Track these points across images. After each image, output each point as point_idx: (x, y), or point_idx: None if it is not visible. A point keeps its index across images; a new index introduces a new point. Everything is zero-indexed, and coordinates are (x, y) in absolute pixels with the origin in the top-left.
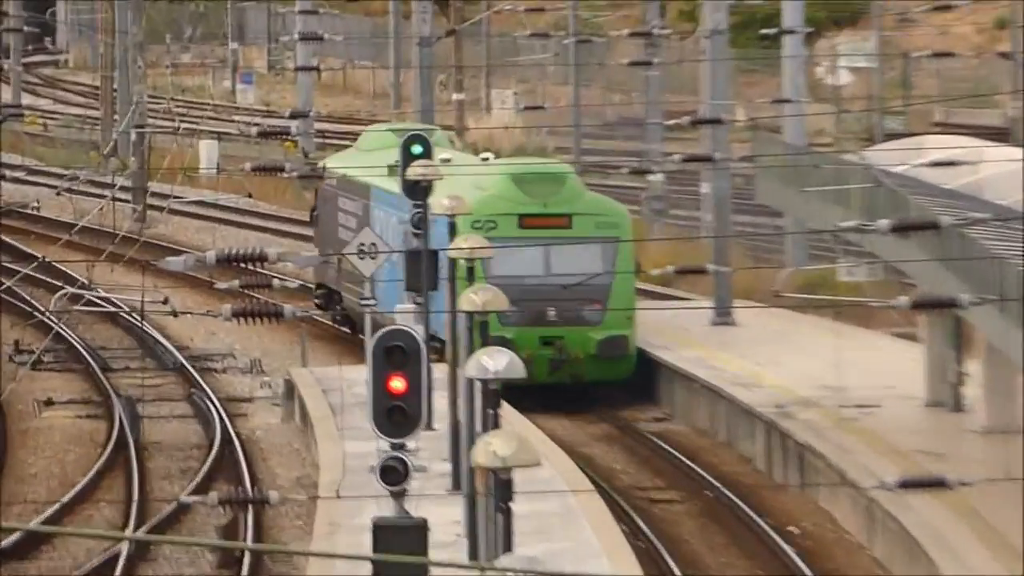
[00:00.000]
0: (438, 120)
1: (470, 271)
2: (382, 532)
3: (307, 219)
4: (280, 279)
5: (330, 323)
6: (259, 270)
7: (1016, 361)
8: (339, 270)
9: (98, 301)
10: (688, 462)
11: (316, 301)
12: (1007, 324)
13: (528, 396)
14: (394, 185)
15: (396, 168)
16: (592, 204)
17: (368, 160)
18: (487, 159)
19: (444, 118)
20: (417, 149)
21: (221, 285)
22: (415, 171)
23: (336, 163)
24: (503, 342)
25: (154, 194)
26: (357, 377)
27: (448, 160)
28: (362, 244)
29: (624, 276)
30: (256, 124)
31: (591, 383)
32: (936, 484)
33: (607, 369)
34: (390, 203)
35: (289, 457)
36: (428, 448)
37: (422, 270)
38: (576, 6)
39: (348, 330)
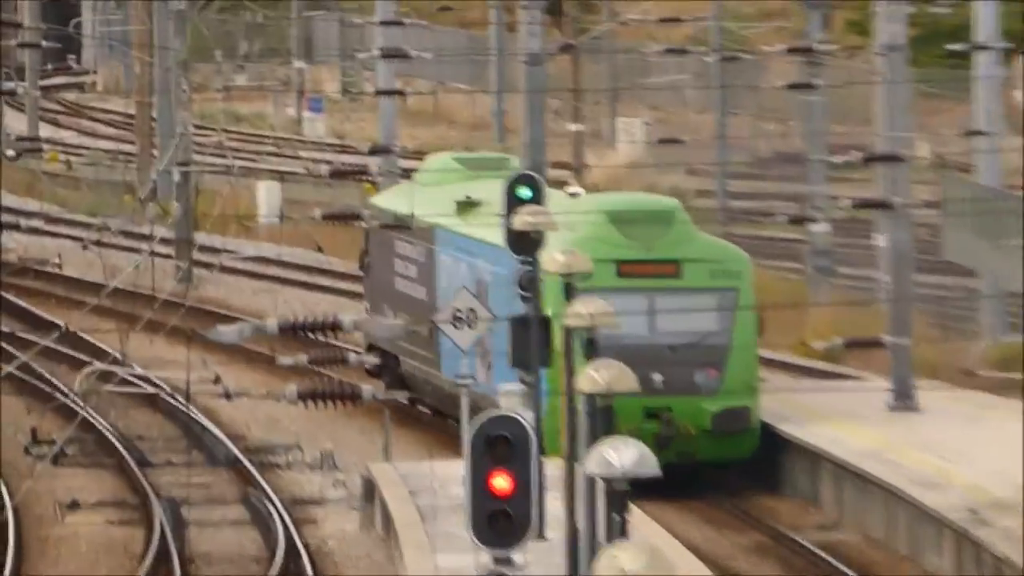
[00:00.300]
0: (551, 155)
1: (590, 342)
2: None
3: None
4: (356, 353)
5: (420, 407)
6: (331, 342)
7: None
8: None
9: (134, 380)
10: None
11: (366, 367)
12: None
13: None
14: (467, 227)
15: (467, 206)
16: (705, 249)
17: (432, 196)
18: (575, 194)
19: (558, 153)
20: (525, 192)
21: (285, 361)
22: (524, 219)
23: (390, 200)
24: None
25: (202, 248)
26: (452, 474)
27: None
28: (457, 310)
29: (745, 336)
30: (327, 161)
31: (704, 463)
32: None
33: (724, 447)
34: (461, 248)
35: (368, 572)
36: (539, 562)
37: (531, 341)
38: (720, 15)
39: (405, 401)
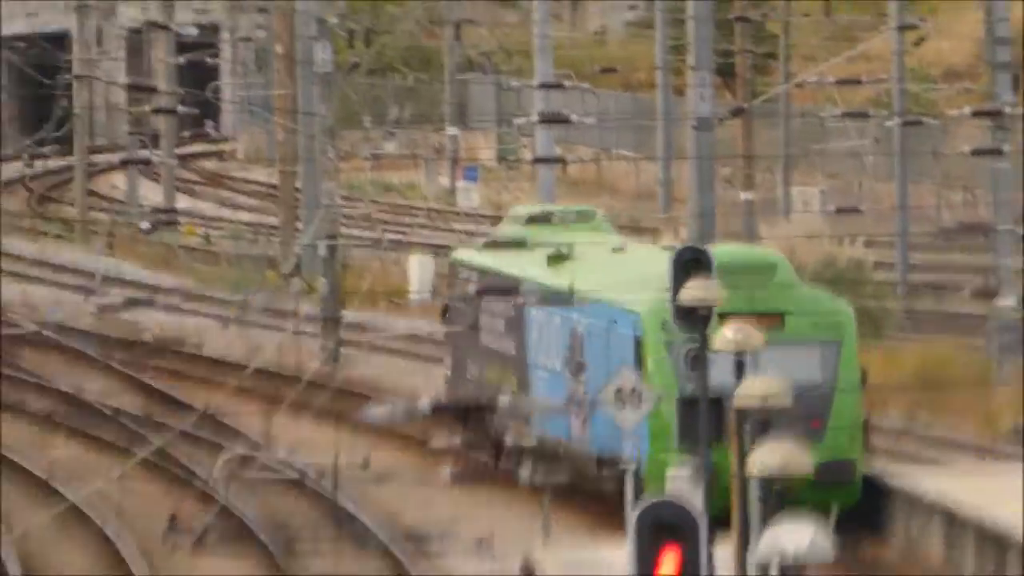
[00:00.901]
0: (721, 227)
1: (764, 425)
2: None
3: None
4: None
5: (582, 490)
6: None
7: None
8: (480, 378)
9: (277, 465)
10: None
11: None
12: None
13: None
14: (555, 278)
15: (558, 259)
16: (809, 301)
17: (519, 250)
18: (620, 249)
19: (729, 224)
20: (695, 263)
21: (438, 443)
22: (692, 294)
23: (475, 257)
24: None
25: (349, 325)
26: (618, 559)
27: (621, 249)
28: (620, 391)
29: (848, 387)
30: (483, 234)
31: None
32: None
33: (826, 496)
34: (552, 302)
35: None
36: None
37: (700, 422)
38: (902, 75)
39: (490, 460)
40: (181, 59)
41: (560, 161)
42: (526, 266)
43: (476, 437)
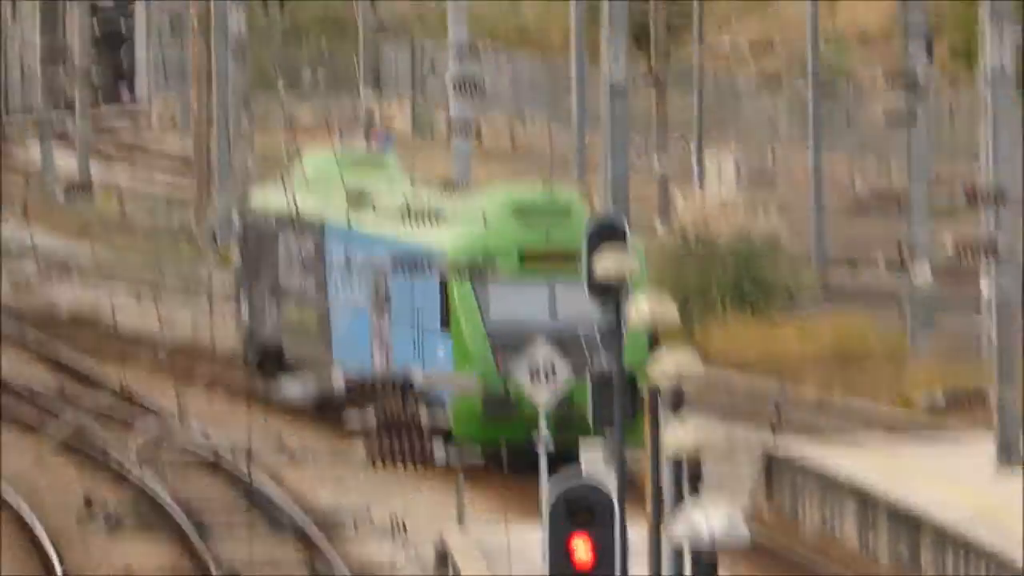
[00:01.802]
0: (635, 194)
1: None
2: None
3: None
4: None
5: (497, 468)
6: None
7: None
8: (280, 322)
9: (191, 446)
10: None
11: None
12: None
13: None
14: (360, 223)
15: (360, 199)
16: None
17: (316, 191)
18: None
19: (642, 190)
20: (609, 231)
21: (352, 421)
22: (608, 266)
23: (266, 198)
24: (504, 401)
25: None
26: (530, 540)
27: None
28: (534, 366)
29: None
30: None
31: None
32: None
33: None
34: (352, 242)
35: None
36: None
37: (614, 399)
38: (816, 41)
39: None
40: (96, 26)
41: (474, 128)
42: (326, 208)
43: (388, 415)
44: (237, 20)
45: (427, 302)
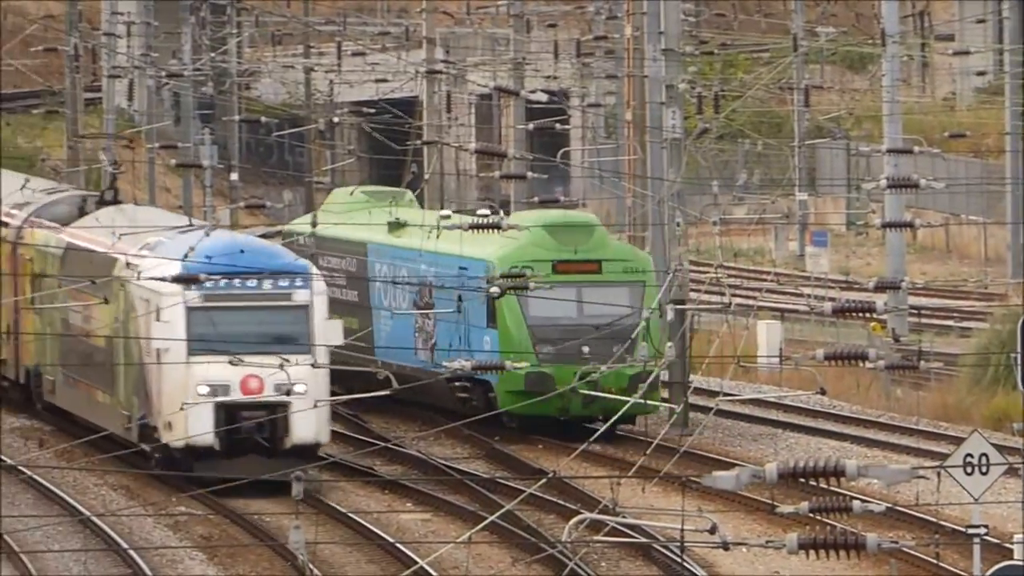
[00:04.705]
0: None
1: None
2: None
3: (894, 423)
4: (863, 501)
5: (932, 557)
6: (834, 489)
7: None
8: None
9: (625, 530)
10: None
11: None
12: None
13: (567, 426)
14: (398, 239)
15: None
16: (619, 251)
17: (352, 219)
18: (447, 216)
19: None
20: None
21: (785, 509)
22: None
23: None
24: (543, 377)
25: (697, 390)
26: None
27: (448, 217)
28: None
29: (651, 318)
30: (830, 299)
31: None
32: None
33: (643, 397)
34: (398, 258)
35: None
36: None
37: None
38: None
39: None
40: (530, 125)
41: (909, 226)
42: (368, 233)
43: (827, 503)
44: (672, 119)
45: (474, 304)
